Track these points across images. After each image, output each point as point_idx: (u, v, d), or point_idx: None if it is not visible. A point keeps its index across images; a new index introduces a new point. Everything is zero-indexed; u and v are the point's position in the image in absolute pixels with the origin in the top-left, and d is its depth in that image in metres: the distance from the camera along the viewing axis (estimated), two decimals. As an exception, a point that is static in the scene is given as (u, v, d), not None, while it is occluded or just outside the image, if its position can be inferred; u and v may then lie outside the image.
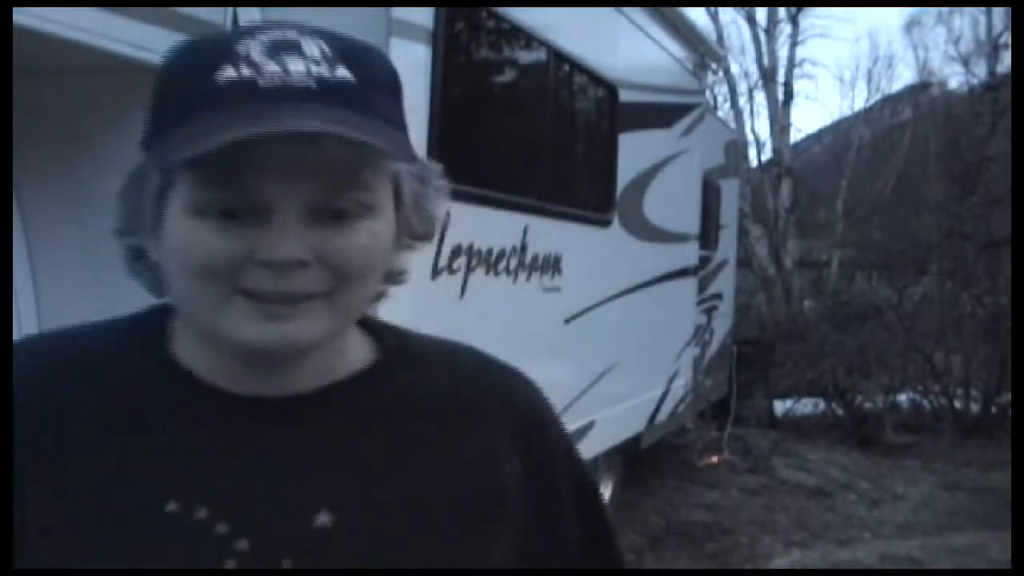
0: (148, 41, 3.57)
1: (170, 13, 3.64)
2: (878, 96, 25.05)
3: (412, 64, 3.90)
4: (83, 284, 3.79)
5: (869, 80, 23.64)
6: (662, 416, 7.81)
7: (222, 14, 3.86)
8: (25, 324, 3.73)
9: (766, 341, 14.03)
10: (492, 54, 4.71)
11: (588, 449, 6.05)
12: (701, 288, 9.04)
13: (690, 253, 8.29)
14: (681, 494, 8.85)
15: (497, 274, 4.62)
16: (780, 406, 13.31)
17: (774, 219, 18.26)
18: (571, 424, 5.71)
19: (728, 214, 10.80)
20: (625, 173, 6.30)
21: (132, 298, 3.33)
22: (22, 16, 3.08)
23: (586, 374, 5.88)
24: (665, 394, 7.81)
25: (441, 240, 4.11)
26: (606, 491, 7.24)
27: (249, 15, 3.87)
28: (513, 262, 4.77)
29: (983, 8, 20.39)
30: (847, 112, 24.43)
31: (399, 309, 3.75)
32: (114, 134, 3.73)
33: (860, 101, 22.69)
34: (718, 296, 10.35)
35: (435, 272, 4.08)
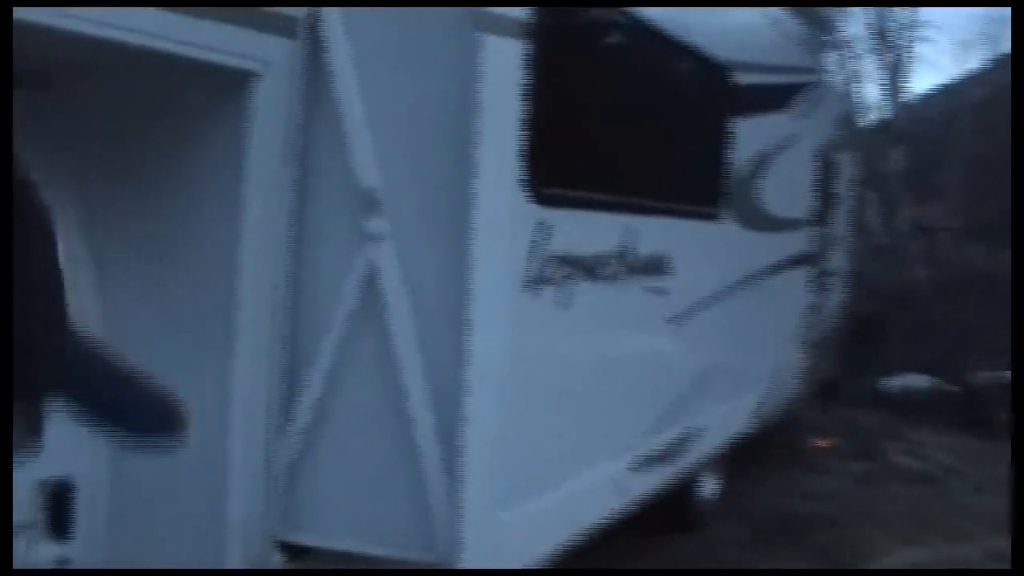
0: (226, 42, 3.38)
1: (249, 13, 3.42)
2: (994, 56, 24.03)
3: (505, 61, 3.63)
4: (147, 283, 3.66)
5: (984, 40, 22.52)
6: (770, 408, 7.50)
7: (300, 10, 3.63)
8: (91, 324, 3.58)
9: (877, 315, 13.53)
10: (591, 43, 4.39)
11: (693, 455, 5.79)
12: (813, 266, 8.66)
13: (803, 239, 7.92)
14: (786, 482, 8.54)
15: (599, 280, 4.34)
16: (890, 383, 12.86)
17: (887, 185, 17.65)
18: (673, 431, 5.44)
19: (842, 188, 10.35)
20: (737, 161, 5.97)
21: (192, 295, 3.49)
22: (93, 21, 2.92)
23: (690, 376, 5.60)
24: (773, 386, 7.49)
25: (538, 250, 3.85)
26: (713, 490, 7.00)
27: (330, 15, 3.63)
28: (616, 266, 4.49)
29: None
30: (962, 73, 23.43)
31: (492, 325, 3.54)
32: (178, 136, 3.61)
33: (975, 61, 21.64)
34: (831, 273, 9.94)
35: (530, 284, 3.83)
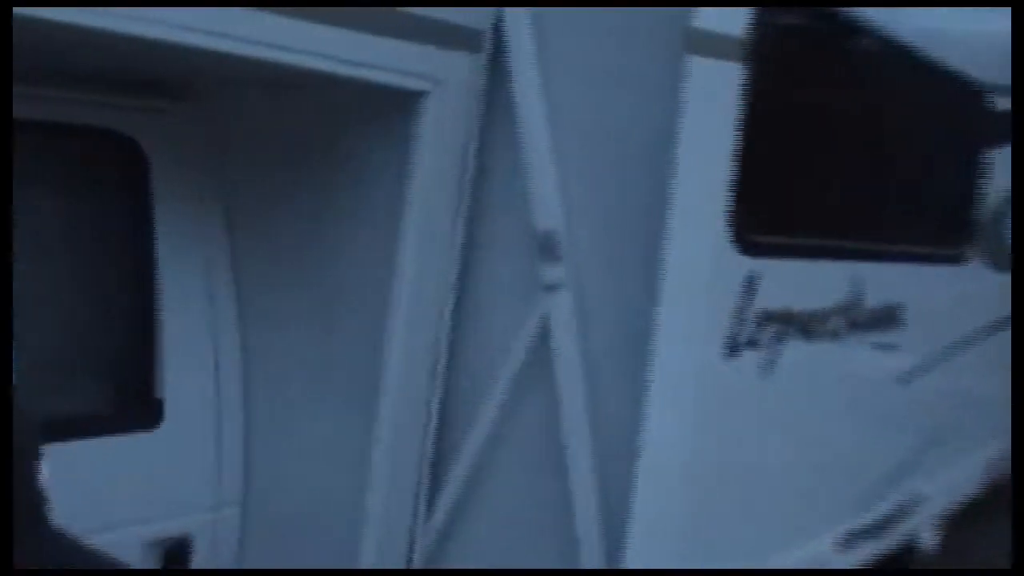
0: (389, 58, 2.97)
1: (418, 22, 2.98)
2: None
3: (716, 85, 3.08)
4: (287, 286, 3.34)
5: None
6: (1002, 466, 6.67)
7: (485, 18, 3.17)
8: (223, 327, 3.31)
9: None
10: (819, 65, 3.76)
11: (912, 524, 5.09)
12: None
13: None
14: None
15: (815, 339, 3.73)
16: None
17: None
18: (891, 501, 4.77)
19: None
20: (989, 195, 5.20)
21: (340, 347, 3.29)
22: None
23: (915, 439, 4.89)
24: (1006, 441, 6.65)
25: (742, 307, 3.28)
26: (930, 547, 6.24)
27: (517, 18, 3.15)
28: (837, 322, 3.87)
29: None
30: None
31: (677, 399, 2.98)
32: (329, 165, 3.25)
33: None
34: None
35: (730, 349, 3.26)
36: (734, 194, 3.15)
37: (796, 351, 3.59)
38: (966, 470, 5.92)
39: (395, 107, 3.09)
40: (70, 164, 3.15)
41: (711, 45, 3.05)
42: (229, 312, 3.33)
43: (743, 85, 3.12)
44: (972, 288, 5.32)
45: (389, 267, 3.12)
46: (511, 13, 3.18)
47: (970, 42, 4.88)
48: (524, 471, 3.23)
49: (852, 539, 4.41)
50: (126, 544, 2.85)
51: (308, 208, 3.32)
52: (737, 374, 3.30)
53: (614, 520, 3.00)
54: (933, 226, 4.97)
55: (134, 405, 3.16)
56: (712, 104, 3.07)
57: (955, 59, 4.64)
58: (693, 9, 2.93)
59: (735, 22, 3.08)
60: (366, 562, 3.12)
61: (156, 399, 3.13)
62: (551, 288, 3.12)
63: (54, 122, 3.02)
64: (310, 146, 3.30)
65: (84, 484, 2.81)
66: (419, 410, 3.22)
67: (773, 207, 3.52)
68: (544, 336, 3.14)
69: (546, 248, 3.14)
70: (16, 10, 1.98)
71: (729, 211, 3.15)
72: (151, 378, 3.14)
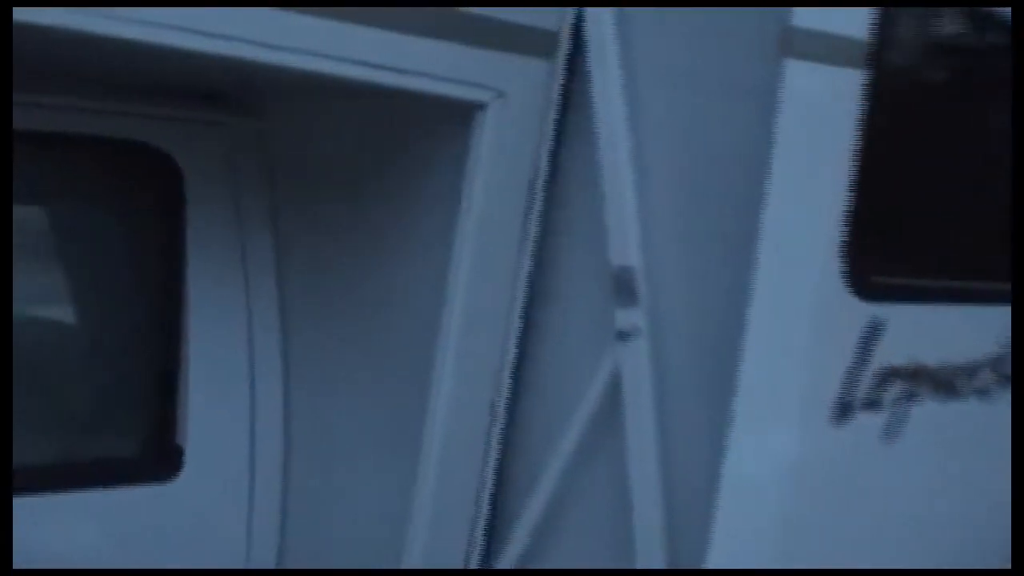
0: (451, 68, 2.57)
1: (479, 23, 2.57)
2: None
3: (822, 100, 2.57)
4: (336, 322, 2.98)
5: None
6: None
7: (560, 19, 2.73)
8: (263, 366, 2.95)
9: None
10: (957, 74, 3.17)
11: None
12: None
13: None
14: None
15: (953, 397, 3.14)
16: None
17: None
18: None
19: None
20: None
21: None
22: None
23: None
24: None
25: (859, 362, 2.75)
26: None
27: (599, 16, 2.70)
28: (984, 377, 3.27)
29: None
30: None
31: (774, 472, 2.47)
32: (381, 186, 2.89)
33: None
34: None
35: (842, 411, 2.72)
36: (850, 226, 2.62)
37: (930, 412, 3.01)
38: None
39: (450, 121, 2.69)
40: (98, 181, 2.86)
41: (826, 49, 2.54)
42: (270, 348, 2.98)
43: (862, 95, 2.60)
44: None
45: (438, 312, 2.71)
46: (592, 13, 2.73)
47: None
48: (588, 541, 2.78)
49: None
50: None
51: (359, 240, 2.95)
52: (847, 443, 2.74)
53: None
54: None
55: (149, 452, 2.81)
56: (820, 117, 2.55)
57: None
58: (793, 9, 2.43)
59: (850, 22, 2.55)
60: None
61: (175, 446, 2.79)
62: (625, 335, 2.66)
63: (77, 134, 2.73)
64: (358, 167, 2.93)
65: (83, 542, 2.50)
66: (470, 478, 2.79)
67: (901, 241, 2.97)
68: (614, 391, 2.68)
69: (621, 287, 2.67)
70: (48, 17, 1.89)
71: (843, 246, 2.63)
72: (171, 423, 2.80)
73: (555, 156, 2.81)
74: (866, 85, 2.59)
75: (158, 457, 2.78)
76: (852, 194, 2.62)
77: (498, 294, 2.76)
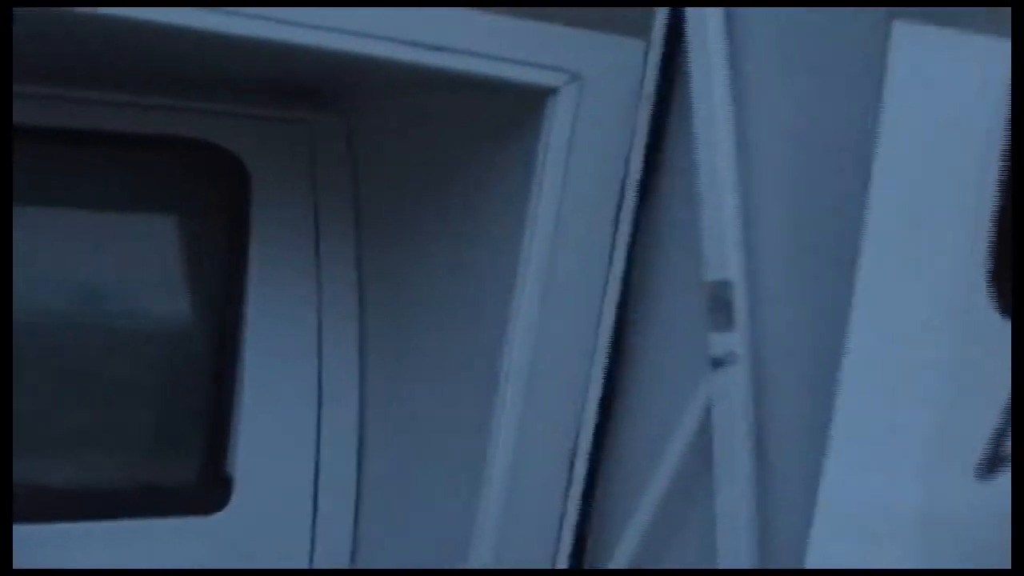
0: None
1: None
2: None
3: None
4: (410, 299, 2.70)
5: None
6: None
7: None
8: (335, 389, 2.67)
9: None
10: None
11: None
12: None
13: None
14: None
15: None
16: None
17: None
18: None
19: None
20: None
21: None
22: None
23: None
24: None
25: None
26: None
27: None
28: None
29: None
30: None
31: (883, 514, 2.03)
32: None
33: None
34: None
35: (989, 468, 2.19)
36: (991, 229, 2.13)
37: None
38: None
39: (517, 111, 2.35)
40: (150, 182, 2.65)
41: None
42: (344, 361, 2.70)
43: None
44: None
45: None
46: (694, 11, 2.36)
47: None
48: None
49: None
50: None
51: (438, 248, 2.65)
52: (990, 505, 2.24)
53: None
54: None
55: (197, 482, 2.57)
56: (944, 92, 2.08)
57: None
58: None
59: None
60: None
61: (225, 476, 2.54)
62: (720, 363, 2.25)
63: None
64: (437, 166, 2.62)
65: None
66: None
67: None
68: (706, 426, 2.27)
69: (717, 306, 2.27)
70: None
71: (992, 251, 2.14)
72: (221, 450, 2.55)
73: (652, 154, 2.43)
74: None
75: (205, 487, 2.53)
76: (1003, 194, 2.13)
77: (577, 307, 2.40)
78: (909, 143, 2.01)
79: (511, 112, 2.41)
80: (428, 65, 2.21)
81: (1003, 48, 2.03)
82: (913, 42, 1.99)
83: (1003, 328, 2.18)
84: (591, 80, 2.34)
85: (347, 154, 2.73)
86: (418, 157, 2.64)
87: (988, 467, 2.23)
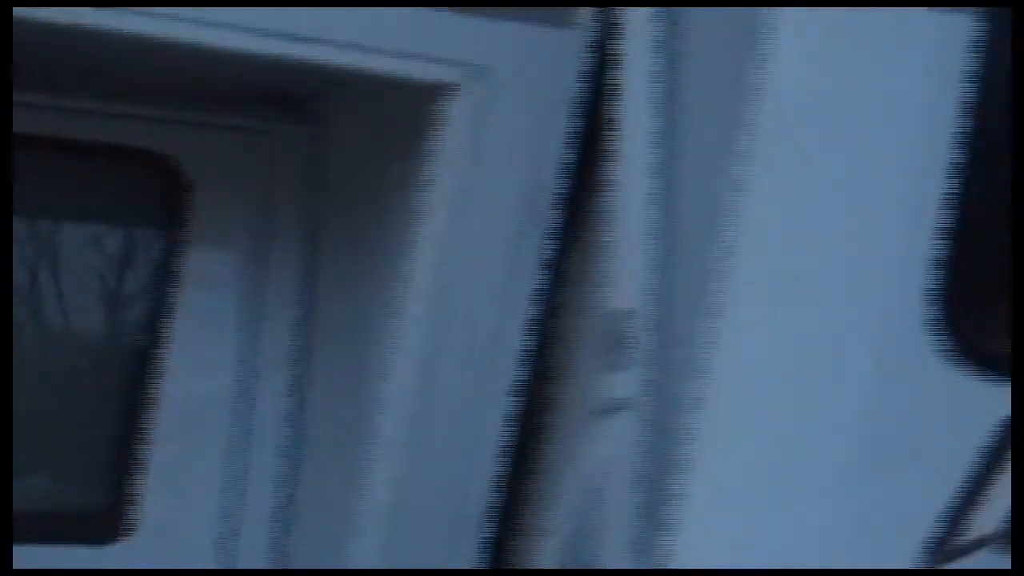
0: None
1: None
2: None
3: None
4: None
5: None
6: None
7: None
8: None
9: None
10: None
11: None
12: None
13: None
14: None
15: None
16: None
17: None
18: None
19: None
20: None
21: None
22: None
23: None
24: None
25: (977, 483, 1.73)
26: None
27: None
28: None
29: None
30: None
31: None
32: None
33: None
34: None
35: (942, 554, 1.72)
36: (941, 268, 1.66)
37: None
38: None
39: (421, 109, 2.08)
40: (82, 194, 2.53)
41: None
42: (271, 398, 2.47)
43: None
44: None
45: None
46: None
47: None
48: None
49: None
50: None
51: (380, 261, 2.39)
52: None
53: None
54: None
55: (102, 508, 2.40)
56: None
57: None
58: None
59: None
60: None
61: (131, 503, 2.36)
62: (611, 409, 1.87)
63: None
64: (374, 173, 2.37)
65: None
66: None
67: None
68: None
69: (612, 341, 1.89)
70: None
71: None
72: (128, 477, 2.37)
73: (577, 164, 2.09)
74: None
75: (110, 513, 2.36)
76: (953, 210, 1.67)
77: (474, 320, 2.08)
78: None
79: (419, 112, 2.13)
80: (302, 59, 1.97)
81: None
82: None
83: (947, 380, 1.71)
84: (500, 75, 2.03)
85: (303, 164, 2.52)
86: (370, 167, 2.40)
87: (946, 556, 1.75)
